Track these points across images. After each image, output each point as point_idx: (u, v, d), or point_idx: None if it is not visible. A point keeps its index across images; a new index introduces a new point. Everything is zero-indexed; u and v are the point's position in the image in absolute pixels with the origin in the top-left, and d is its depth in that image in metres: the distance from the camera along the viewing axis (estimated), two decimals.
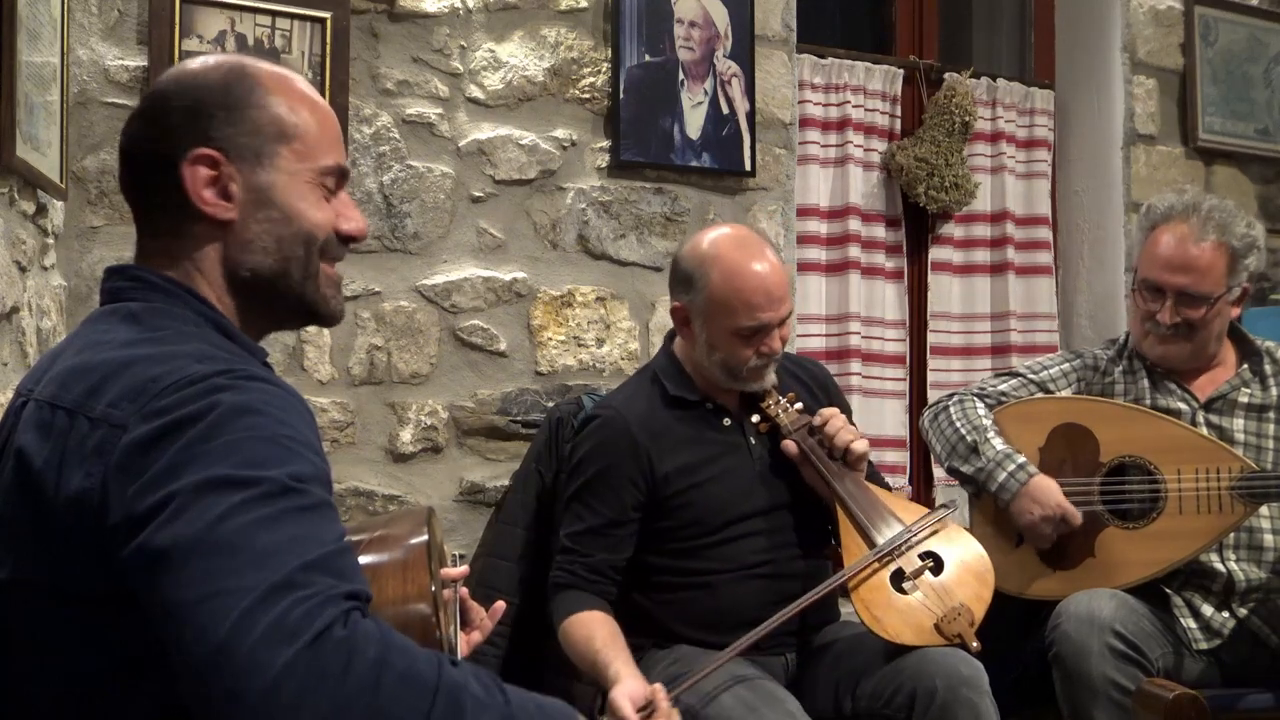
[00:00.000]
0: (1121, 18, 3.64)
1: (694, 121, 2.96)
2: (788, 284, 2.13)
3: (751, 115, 3.04)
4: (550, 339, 2.82)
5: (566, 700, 1.10)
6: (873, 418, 3.39)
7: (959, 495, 3.32)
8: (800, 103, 3.25)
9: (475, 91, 2.77)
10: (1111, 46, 3.65)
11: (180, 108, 1.18)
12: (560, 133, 2.85)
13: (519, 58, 2.81)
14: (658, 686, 1.83)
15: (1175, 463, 2.30)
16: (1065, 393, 2.51)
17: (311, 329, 2.52)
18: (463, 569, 1.45)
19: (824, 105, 3.34)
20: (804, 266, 3.28)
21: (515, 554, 2.38)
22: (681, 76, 2.95)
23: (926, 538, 2.09)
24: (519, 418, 2.76)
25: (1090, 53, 3.71)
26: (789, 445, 2.14)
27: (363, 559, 1.22)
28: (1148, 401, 2.42)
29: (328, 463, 1.05)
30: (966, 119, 3.40)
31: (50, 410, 1.05)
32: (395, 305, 2.68)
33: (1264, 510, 2.33)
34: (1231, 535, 2.31)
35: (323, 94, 2.53)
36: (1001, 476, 2.34)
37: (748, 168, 3.03)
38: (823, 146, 3.34)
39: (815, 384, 2.33)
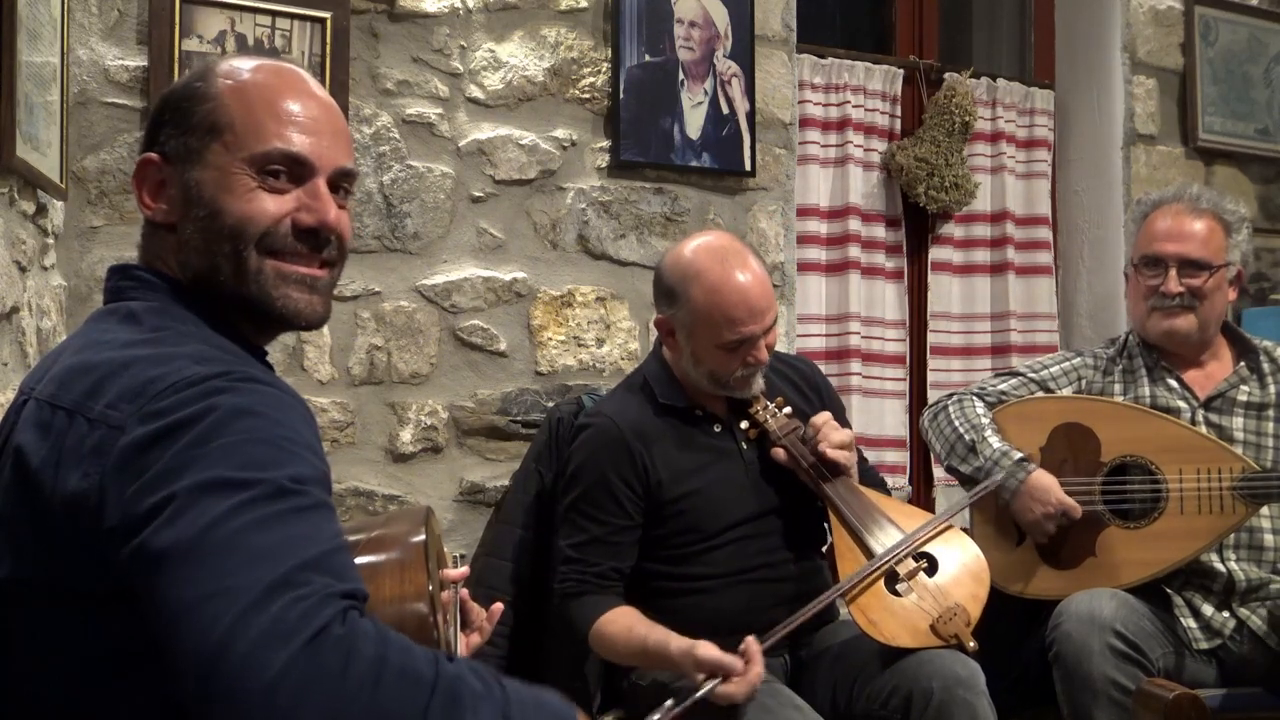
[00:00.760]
0: (1121, 18, 3.64)
1: (694, 121, 2.96)
2: (771, 293, 2.10)
3: (751, 115, 3.04)
4: (550, 339, 2.82)
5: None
6: (873, 418, 3.39)
7: (960, 496, 3.32)
8: (800, 103, 3.25)
9: (475, 91, 2.77)
10: (1111, 46, 3.65)
11: (152, 117, 1.22)
12: (560, 133, 2.85)
13: (519, 58, 2.81)
14: (751, 639, 1.87)
15: (1176, 463, 2.30)
16: (1065, 392, 2.51)
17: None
18: (463, 570, 1.44)
19: (824, 105, 3.34)
20: (804, 266, 3.28)
21: (515, 554, 2.38)
22: (681, 76, 2.95)
23: (924, 543, 2.09)
24: (519, 418, 2.76)
25: (1090, 53, 3.71)
26: (779, 453, 2.13)
27: (360, 559, 1.22)
28: (1147, 400, 2.42)
29: (327, 464, 1.05)
30: (966, 119, 3.40)
31: (50, 410, 1.05)
32: (395, 305, 2.68)
33: (1264, 510, 2.33)
34: (1232, 535, 2.31)
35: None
36: (1000, 475, 2.34)
37: (748, 168, 3.03)
38: (823, 146, 3.34)
39: (805, 384, 2.32)
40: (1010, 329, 3.56)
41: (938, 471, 3.46)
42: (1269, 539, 2.35)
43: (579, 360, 2.85)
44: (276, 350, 2.52)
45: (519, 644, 2.30)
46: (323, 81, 2.53)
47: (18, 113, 1.83)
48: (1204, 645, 2.28)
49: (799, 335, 3.22)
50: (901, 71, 3.47)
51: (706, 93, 2.98)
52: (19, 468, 1.05)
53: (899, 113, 3.48)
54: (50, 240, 2.20)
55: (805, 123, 3.28)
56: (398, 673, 0.91)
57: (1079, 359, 2.56)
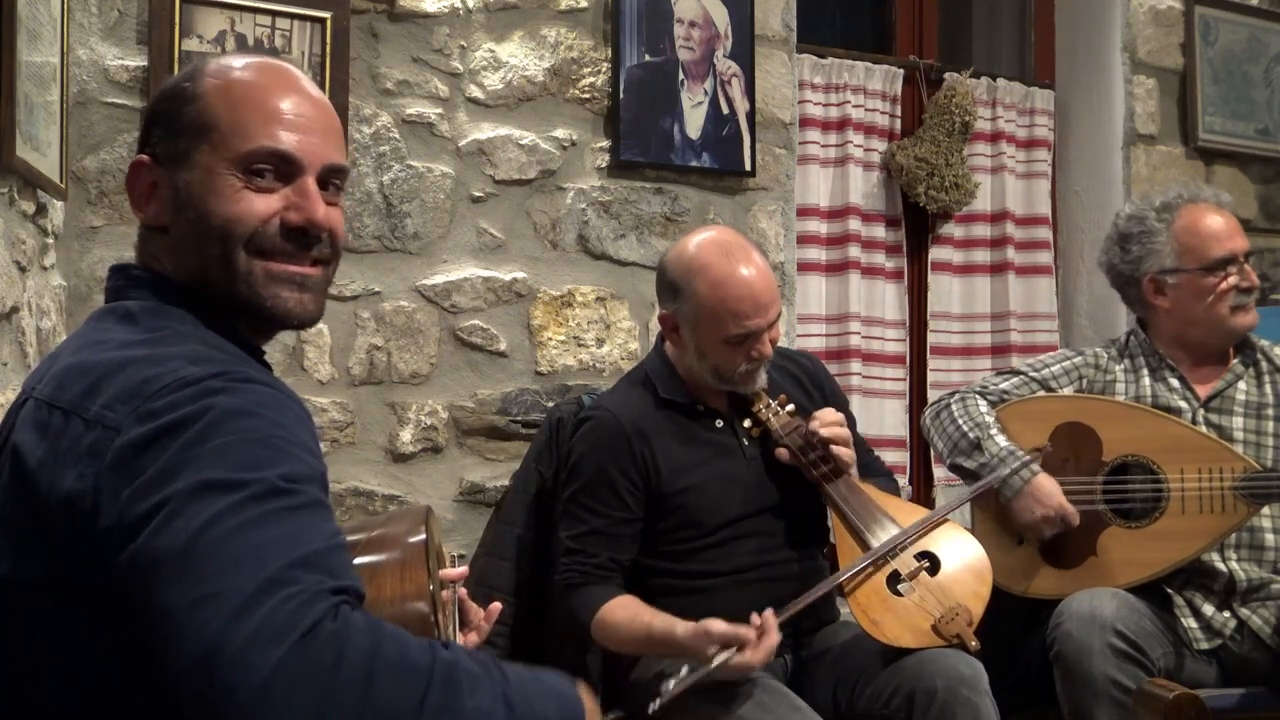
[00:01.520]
0: (1121, 18, 3.64)
1: (694, 121, 2.96)
2: (775, 287, 2.11)
3: (751, 115, 3.04)
4: (550, 339, 2.82)
5: None
6: (873, 418, 3.39)
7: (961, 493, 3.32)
8: (800, 103, 3.25)
9: (475, 91, 2.77)
10: (1111, 46, 3.65)
11: (145, 114, 1.23)
12: (560, 133, 2.85)
13: (519, 58, 2.81)
14: (769, 612, 1.88)
15: (1178, 462, 2.30)
16: (1066, 391, 2.51)
17: (311, 329, 2.51)
18: (462, 570, 1.45)
19: (824, 105, 3.34)
20: (804, 266, 3.28)
21: (515, 554, 2.38)
22: (681, 76, 2.95)
23: (922, 537, 2.09)
24: (519, 418, 2.76)
25: (1090, 53, 3.71)
26: (782, 452, 2.13)
27: (360, 559, 1.22)
28: (1149, 399, 2.42)
29: (324, 463, 1.05)
30: (966, 119, 3.40)
31: (47, 409, 1.05)
32: (395, 305, 2.68)
33: (1265, 510, 2.33)
34: (1233, 535, 2.32)
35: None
36: (1004, 473, 2.34)
37: (748, 168, 3.03)
38: (823, 146, 3.34)
39: (809, 379, 2.32)
40: (1010, 329, 3.56)
41: (938, 471, 3.47)
42: (1270, 539, 2.35)
43: (579, 360, 2.85)
44: (276, 350, 2.52)
45: (519, 643, 2.29)
46: (322, 82, 2.53)
47: (18, 113, 1.83)
48: (1204, 645, 2.28)
49: (799, 335, 3.22)
50: (901, 71, 3.47)
51: (706, 93, 2.98)
52: (17, 467, 1.05)
53: (899, 113, 3.48)
54: (50, 240, 2.20)
55: (805, 123, 3.28)
56: (393, 664, 0.92)
57: (1080, 358, 2.56)
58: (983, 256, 3.60)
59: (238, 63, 1.21)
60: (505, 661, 1.03)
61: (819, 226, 3.33)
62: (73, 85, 2.36)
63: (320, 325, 1.25)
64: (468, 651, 1.00)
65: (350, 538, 1.24)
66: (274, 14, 2.51)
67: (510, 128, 2.80)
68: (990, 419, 2.43)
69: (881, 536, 2.07)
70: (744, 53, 3.03)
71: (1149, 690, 2.07)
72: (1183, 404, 2.40)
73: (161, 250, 1.19)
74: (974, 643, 1.95)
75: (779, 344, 2.18)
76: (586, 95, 2.88)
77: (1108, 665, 2.12)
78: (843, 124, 3.35)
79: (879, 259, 3.42)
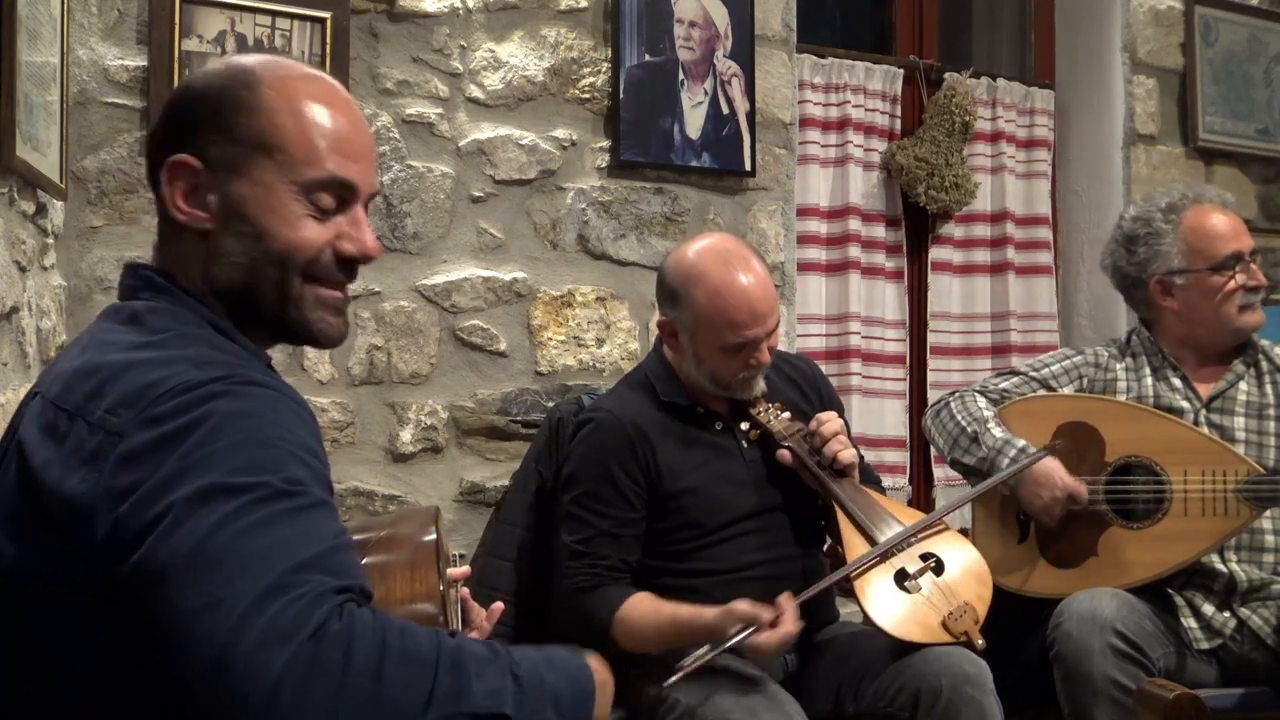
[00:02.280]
0: (1121, 18, 3.64)
1: (694, 121, 2.96)
2: (774, 296, 2.11)
3: (751, 115, 3.04)
4: (550, 339, 2.82)
5: None
6: (873, 418, 3.39)
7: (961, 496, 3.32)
8: (800, 103, 3.25)
9: (475, 91, 2.77)
10: (1111, 46, 3.65)
11: (177, 111, 1.18)
12: (560, 133, 2.85)
13: (519, 58, 2.81)
14: (787, 595, 1.89)
15: (1181, 464, 2.30)
16: (1067, 390, 2.51)
17: None
18: (464, 569, 1.45)
19: (824, 105, 3.34)
20: (804, 266, 3.28)
21: (516, 554, 2.37)
22: (681, 76, 2.95)
23: (927, 537, 2.09)
24: (519, 418, 2.76)
25: (1090, 53, 3.71)
26: (783, 454, 2.13)
27: (370, 558, 1.23)
28: (1151, 399, 2.42)
29: (327, 464, 1.06)
30: (966, 119, 3.39)
31: (54, 410, 1.06)
32: (395, 305, 2.68)
33: (1267, 511, 2.33)
34: (1234, 536, 2.31)
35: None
36: (1004, 463, 2.34)
37: (748, 168, 3.03)
38: (823, 146, 3.34)
39: (806, 383, 2.32)
40: (1010, 329, 3.56)
41: (938, 471, 3.47)
42: (1270, 539, 2.35)
43: (579, 360, 2.85)
44: (277, 350, 2.51)
45: (521, 643, 2.29)
46: None
47: (18, 113, 1.83)
48: (1205, 645, 2.28)
49: (799, 335, 3.22)
50: (901, 71, 3.47)
51: (706, 93, 2.98)
52: (22, 463, 1.06)
53: (899, 113, 3.48)
54: (50, 240, 2.20)
55: (805, 123, 3.28)
56: (399, 658, 0.93)
57: (1079, 357, 2.56)
58: (983, 256, 3.60)
59: (295, 74, 1.19)
60: (515, 646, 1.04)
61: (819, 226, 3.33)
62: (73, 85, 2.36)
63: (341, 308, 1.24)
64: (475, 639, 1.01)
65: (359, 536, 1.25)
66: (274, 14, 2.51)
67: (510, 128, 2.80)
68: (989, 414, 2.43)
69: (888, 534, 2.08)
70: (744, 53, 3.03)
71: (1149, 690, 2.07)
72: (1185, 404, 2.40)
73: (195, 254, 1.17)
74: (980, 641, 1.95)
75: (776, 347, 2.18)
76: (586, 95, 2.88)
77: (1108, 665, 2.12)
78: (843, 124, 3.35)
79: (879, 259, 3.42)
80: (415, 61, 2.71)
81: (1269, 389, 2.41)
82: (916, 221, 3.52)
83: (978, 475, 2.41)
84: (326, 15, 2.55)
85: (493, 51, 2.78)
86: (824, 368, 2.82)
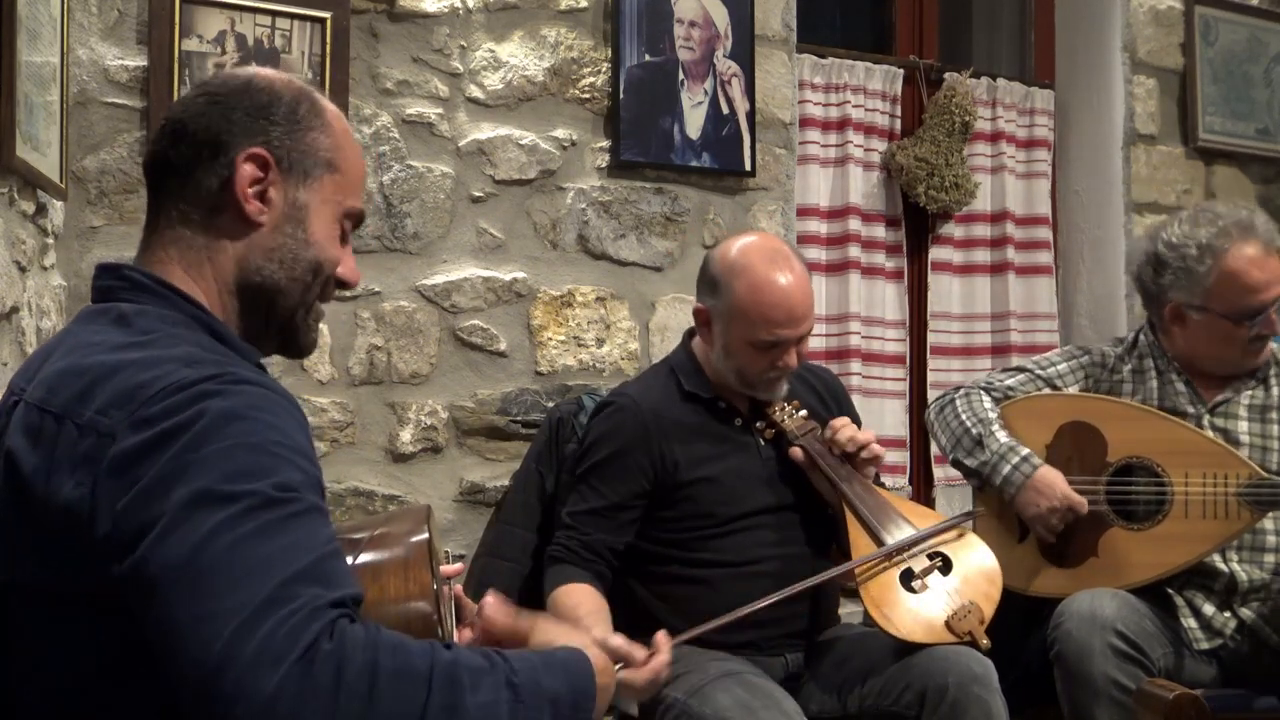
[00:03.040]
0: (1121, 18, 3.64)
1: (694, 121, 2.96)
2: (812, 301, 2.14)
3: (751, 115, 3.04)
4: (550, 339, 2.82)
5: None
6: (873, 418, 3.38)
7: (964, 499, 3.32)
8: (800, 103, 3.25)
9: (475, 91, 2.77)
10: (1111, 46, 3.65)
11: (250, 104, 1.20)
12: (560, 133, 2.85)
13: (519, 58, 2.81)
14: (662, 633, 1.74)
15: (1183, 466, 2.29)
16: (1072, 389, 2.50)
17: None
18: (456, 566, 1.45)
19: (824, 105, 3.34)
20: None
21: (515, 554, 2.37)
22: (681, 76, 2.95)
23: (938, 539, 2.10)
24: (519, 418, 2.76)
25: (1090, 53, 3.71)
26: (796, 452, 2.15)
27: (364, 557, 1.22)
28: (1155, 401, 2.42)
29: (318, 466, 1.05)
30: (966, 119, 3.39)
31: (39, 414, 1.04)
32: (395, 305, 2.68)
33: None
34: (1234, 539, 2.31)
35: (322, 94, 2.52)
36: (1006, 469, 2.34)
37: (748, 168, 3.03)
38: (823, 146, 3.34)
39: (827, 392, 2.35)
40: (1010, 329, 3.56)
41: (938, 471, 3.47)
42: (1271, 540, 2.34)
43: (579, 360, 2.85)
44: None
45: None
46: (322, 82, 2.53)
47: (18, 113, 1.83)
48: (1205, 645, 2.28)
49: None
50: (901, 71, 3.47)
51: (706, 93, 2.98)
52: (11, 473, 1.04)
53: (899, 113, 3.47)
54: (50, 240, 2.20)
55: (805, 123, 3.28)
56: (393, 675, 0.92)
57: (1086, 357, 2.55)
58: (983, 256, 3.60)
59: (330, 103, 1.28)
60: (514, 651, 1.04)
61: (819, 226, 3.33)
62: (73, 85, 2.36)
63: (320, 325, 1.28)
64: (472, 648, 1.00)
65: (353, 536, 1.24)
66: (274, 14, 2.51)
67: (510, 128, 2.80)
68: (993, 415, 2.43)
69: (895, 535, 2.08)
70: (744, 53, 3.03)
71: (1149, 690, 2.07)
72: (1189, 408, 2.40)
73: (229, 242, 1.18)
74: (985, 641, 1.95)
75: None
76: (586, 95, 2.88)
77: (1108, 665, 2.12)
78: (843, 124, 3.35)
79: (879, 259, 3.42)
80: (415, 61, 2.71)
81: (1275, 392, 2.41)
82: (916, 221, 3.52)
83: (978, 478, 2.42)
84: (326, 15, 2.55)
85: (493, 51, 2.78)
86: (819, 365, 2.82)
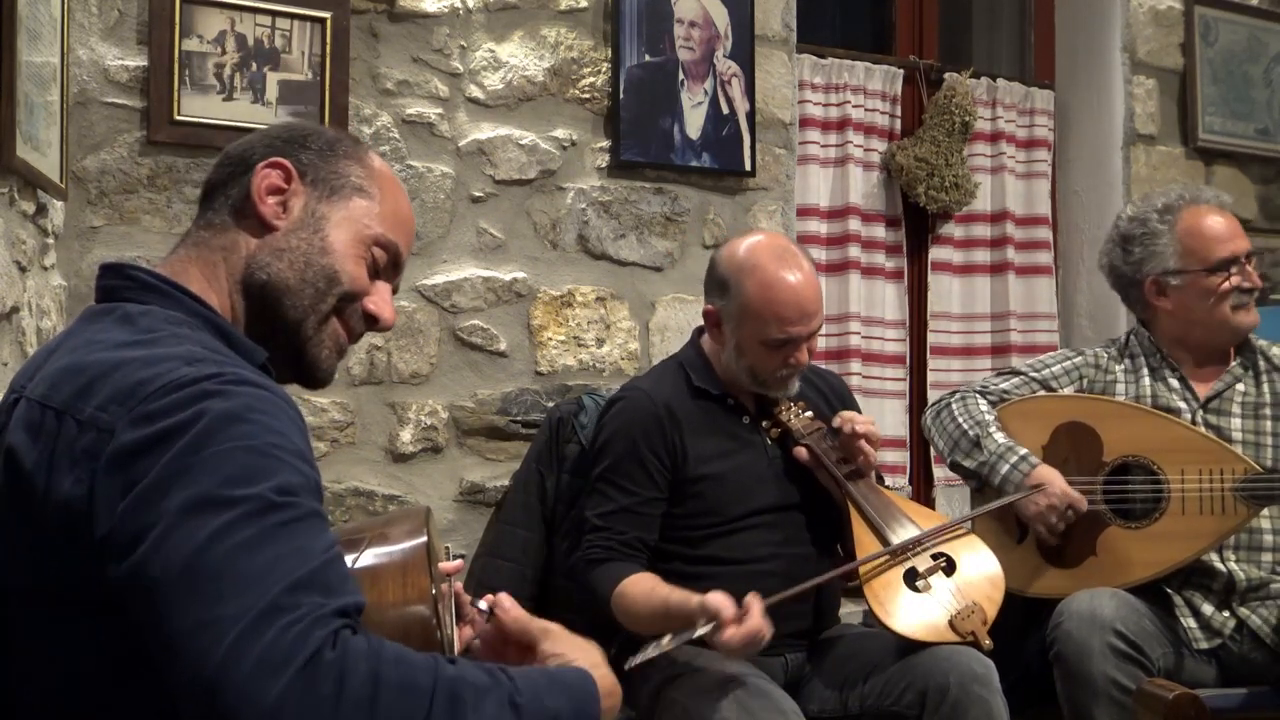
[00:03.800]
0: (1121, 18, 3.64)
1: (694, 121, 2.96)
2: (821, 298, 2.15)
3: (751, 115, 3.04)
4: (550, 339, 2.82)
5: None
6: (872, 418, 3.38)
7: (963, 499, 3.32)
8: (800, 103, 3.25)
9: (475, 91, 2.77)
10: (1111, 46, 3.65)
11: (290, 134, 1.28)
12: (560, 133, 2.85)
13: (519, 58, 2.81)
14: (754, 595, 1.84)
15: (1179, 463, 2.30)
16: (1067, 391, 2.51)
17: None
18: (456, 563, 1.45)
19: (824, 105, 3.34)
20: None
21: (515, 554, 2.38)
22: (681, 76, 2.95)
23: (943, 541, 2.10)
24: (519, 418, 2.76)
25: (1090, 53, 3.71)
26: (801, 451, 2.15)
27: (362, 561, 1.22)
28: (1148, 400, 2.43)
29: (316, 469, 1.05)
30: (966, 119, 3.39)
31: (40, 410, 1.04)
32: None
33: (1265, 510, 2.33)
34: (1232, 535, 2.31)
35: (322, 94, 2.53)
36: (1004, 469, 2.35)
37: (748, 168, 3.03)
38: (823, 146, 3.34)
39: (833, 395, 2.36)
40: (1010, 329, 3.56)
41: (938, 471, 3.47)
42: (1269, 539, 2.35)
43: (579, 360, 2.85)
44: None
45: None
46: (322, 81, 2.53)
47: (18, 113, 1.83)
48: (1204, 645, 2.28)
49: None
50: (901, 71, 3.47)
51: (706, 93, 2.98)
52: (11, 470, 1.04)
53: (899, 113, 3.47)
54: (50, 240, 2.20)
55: (805, 123, 3.28)
56: (394, 688, 0.92)
57: (1080, 358, 2.56)
58: (983, 256, 3.60)
59: (381, 160, 1.33)
60: (516, 668, 1.03)
61: (819, 226, 3.33)
62: (73, 85, 2.36)
63: (342, 358, 1.30)
64: (477, 664, 1.00)
65: (351, 539, 1.24)
66: (274, 14, 2.51)
67: (510, 128, 2.80)
68: (990, 417, 2.44)
69: (901, 535, 2.09)
70: (744, 53, 3.03)
71: (1149, 690, 2.07)
72: (1182, 404, 2.41)
73: (243, 243, 1.22)
74: (987, 641, 1.95)
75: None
76: (586, 95, 2.88)
77: (1107, 665, 2.12)
78: (843, 124, 3.35)
79: (879, 259, 3.42)
80: (415, 61, 2.71)
81: (1266, 388, 2.41)
82: (916, 221, 3.52)
83: (977, 479, 2.42)
84: (326, 15, 2.55)
85: (493, 51, 2.79)
86: (824, 368, 2.83)
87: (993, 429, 2.41)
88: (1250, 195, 3.85)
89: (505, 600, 1.30)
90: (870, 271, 3.39)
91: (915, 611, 2.01)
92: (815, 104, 3.31)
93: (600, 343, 2.88)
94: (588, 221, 2.87)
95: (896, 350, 3.48)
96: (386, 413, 2.67)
